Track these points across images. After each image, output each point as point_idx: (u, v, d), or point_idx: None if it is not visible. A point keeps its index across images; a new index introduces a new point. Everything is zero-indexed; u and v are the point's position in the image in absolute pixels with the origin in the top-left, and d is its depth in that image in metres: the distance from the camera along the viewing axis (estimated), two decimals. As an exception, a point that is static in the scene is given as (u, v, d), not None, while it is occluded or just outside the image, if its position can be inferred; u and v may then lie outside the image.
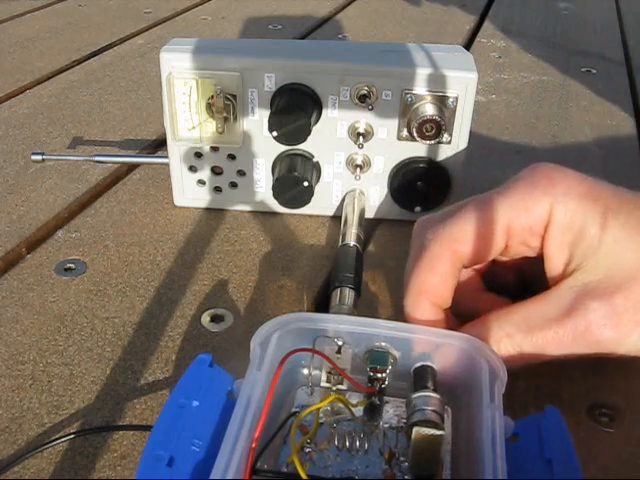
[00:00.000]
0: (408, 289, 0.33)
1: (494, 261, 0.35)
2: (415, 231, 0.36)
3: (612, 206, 0.31)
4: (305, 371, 0.30)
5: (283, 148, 0.45)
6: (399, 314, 0.34)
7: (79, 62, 0.75)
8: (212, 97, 0.42)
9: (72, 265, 0.42)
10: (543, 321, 0.31)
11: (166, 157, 0.47)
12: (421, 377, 0.29)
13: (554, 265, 0.32)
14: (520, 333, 0.31)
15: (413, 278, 0.33)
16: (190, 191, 0.47)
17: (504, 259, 0.35)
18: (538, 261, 0.33)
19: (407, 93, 0.42)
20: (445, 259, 0.32)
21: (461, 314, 0.34)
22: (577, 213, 0.31)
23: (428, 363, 0.29)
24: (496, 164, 0.55)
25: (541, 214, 0.32)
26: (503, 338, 0.31)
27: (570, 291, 0.31)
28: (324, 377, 0.30)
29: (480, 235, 0.32)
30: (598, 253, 0.31)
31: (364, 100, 0.42)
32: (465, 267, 0.34)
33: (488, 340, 0.31)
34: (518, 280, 0.37)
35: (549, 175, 0.32)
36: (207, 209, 0.48)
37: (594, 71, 0.77)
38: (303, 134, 0.42)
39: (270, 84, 0.43)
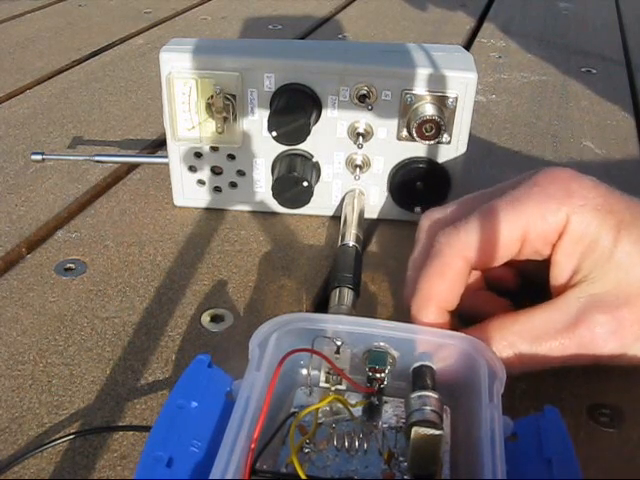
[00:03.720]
0: (416, 292, 0.33)
1: None
2: (422, 226, 0.36)
3: (626, 220, 0.31)
4: (304, 371, 0.30)
5: (283, 148, 0.45)
6: (399, 314, 0.34)
7: (79, 62, 0.75)
8: (212, 97, 0.42)
9: (72, 265, 0.42)
10: (548, 331, 0.31)
11: (166, 157, 0.47)
12: (420, 377, 0.29)
13: (560, 273, 0.32)
14: (525, 342, 0.31)
15: (422, 282, 0.33)
16: (190, 191, 0.47)
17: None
18: (539, 262, 0.33)
19: (407, 93, 0.42)
20: (456, 266, 0.32)
21: (460, 311, 0.34)
22: (592, 225, 0.31)
23: (427, 363, 0.29)
24: (496, 164, 0.55)
25: (557, 223, 0.31)
26: (506, 347, 0.31)
27: (577, 301, 0.31)
28: (323, 377, 0.30)
29: (494, 243, 0.32)
30: (608, 265, 0.31)
31: (364, 100, 0.42)
32: (473, 269, 0.33)
33: (491, 347, 0.31)
34: (517, 279, 0.37)
35: (566, 184, 0.32)
36: (207, 209, 0.48)
37: (594, 71, 0.77)
38: (303, 134, 0.42)
39: (270, 84, 0.43)
